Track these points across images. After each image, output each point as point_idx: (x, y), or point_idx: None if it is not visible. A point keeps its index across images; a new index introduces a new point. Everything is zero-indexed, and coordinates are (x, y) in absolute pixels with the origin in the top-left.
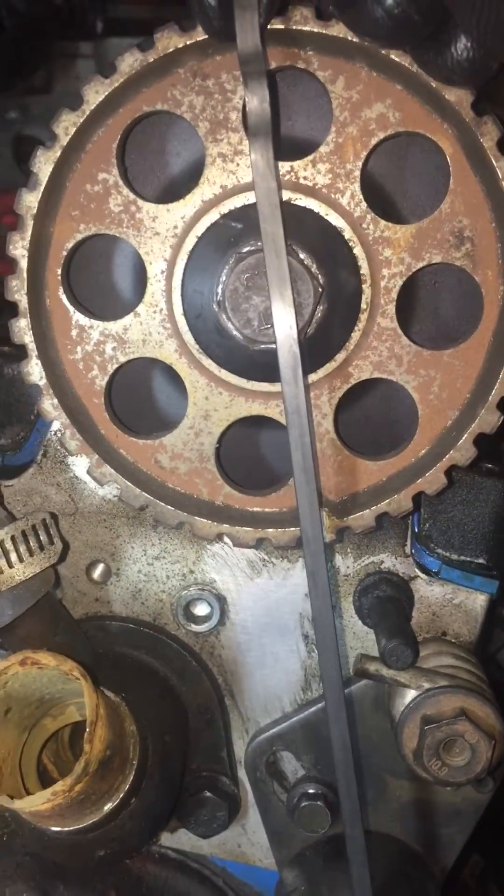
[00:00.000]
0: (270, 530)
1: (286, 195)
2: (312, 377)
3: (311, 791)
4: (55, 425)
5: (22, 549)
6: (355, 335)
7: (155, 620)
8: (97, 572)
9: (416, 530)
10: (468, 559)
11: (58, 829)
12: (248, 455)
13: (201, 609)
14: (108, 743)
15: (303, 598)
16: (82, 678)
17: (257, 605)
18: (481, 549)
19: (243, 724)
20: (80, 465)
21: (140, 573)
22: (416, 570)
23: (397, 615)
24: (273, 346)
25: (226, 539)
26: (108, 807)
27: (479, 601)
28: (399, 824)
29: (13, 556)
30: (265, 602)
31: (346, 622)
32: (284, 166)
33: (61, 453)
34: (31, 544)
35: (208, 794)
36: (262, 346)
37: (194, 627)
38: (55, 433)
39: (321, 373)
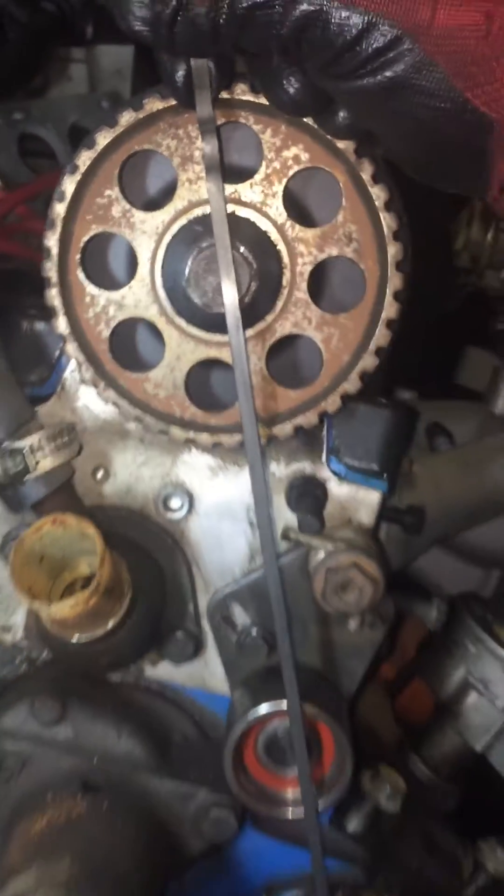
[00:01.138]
0: (223, 436)
1: (231, 208)
2: (250, 332)
3: (253, 632)
4: (71, 365)
5: (51, 446)
6: (279, 304)
7: (142, 510)
8: (99, 475)
9: (329, 445)
10: (365, 466)
11: (75, 638)
12: (207, 387)
13: (175, 503)
14: (111, 576)
15: (248, 493)
16: (94, 529)
17: (216, 500)
18: (374, 459)
19: (205, 587)
20: (85, 396)
21: (130, 475)
22: (329, 474)
23: (313, 502)
24: (222, 310)
25: (193, 442)
26: (111, 623)
27: (374, 496)
28: (317, 657)
29: (46, 450)
30: (221, 497)
31: (279, 511)
32: (230, 188)
33: (74, 387)
34: (58, 442)
35: (180, 633)
36: (215, 310)
37: (170, 516)
38: (71, 372)
39: (256, 329)
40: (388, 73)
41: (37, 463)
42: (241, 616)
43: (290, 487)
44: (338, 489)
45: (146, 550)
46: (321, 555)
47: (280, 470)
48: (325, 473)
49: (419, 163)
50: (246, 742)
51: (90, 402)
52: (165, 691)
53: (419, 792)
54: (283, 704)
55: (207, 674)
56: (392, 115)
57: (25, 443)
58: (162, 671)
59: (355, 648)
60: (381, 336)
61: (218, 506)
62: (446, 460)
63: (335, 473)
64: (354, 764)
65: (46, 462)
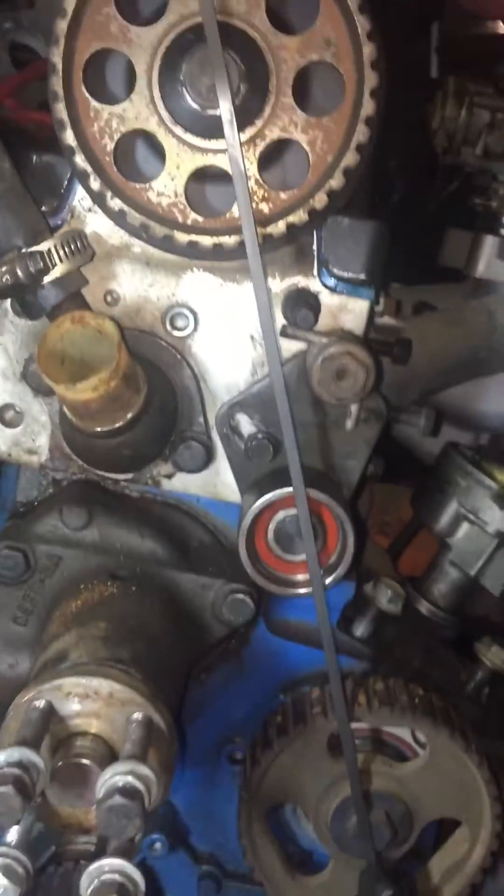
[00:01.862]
0: (223, 238)
1: (220, 17)
2: (242, 136)
3: (259, 435)
4: (79, 194)
5: (66, 251)
6: (267, 109)
7: (151, 330)
8: (109, 299)
9: (320, 258)
10: (353, 276)
11: (95, 429)
12: (204, 198)
13: (181, 322)
14: (129, 364)
15: (248, 309)
16: (110, 321)
17: (218, 317)
18: (361, 269)
19: (213, 401)
20: (93, 222)
21: (139, 297)
22: (321, 286)
23: (306, 306)
24: (217, 111)
25: (195, 246)
26: (129, 415)
27: (362, 304)
28: (318, 459)
29: (62, 254)
30: (223, 314)
31: (277, 323)
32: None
33: (83, 214)
34: (72, 247)
35: (192, 443)
36: (210, 112)
37: (177, 334)
38: (79, 200)
39: (247, 134)
40: None
41: (54, 266)
42: (246, 424)
43: (286, 300)
44: (329, 300)
45: (156, 366)
46: (316, 349)
47: (276, 285)
48: (317, 286)
49: None
50: (257, 530)
51: (98, 227)
52: (182, 504)
53: (422, 624)
54: (290, 491)
55: (219, 482)
56: None
57: (43, 247)
58: (178, 483)
59: (353, 447)
60: (361, 133)
61: (220, 322)
62: (432, 320)
63: (325, 286)
64: (356, 546)
65: (63, 265)
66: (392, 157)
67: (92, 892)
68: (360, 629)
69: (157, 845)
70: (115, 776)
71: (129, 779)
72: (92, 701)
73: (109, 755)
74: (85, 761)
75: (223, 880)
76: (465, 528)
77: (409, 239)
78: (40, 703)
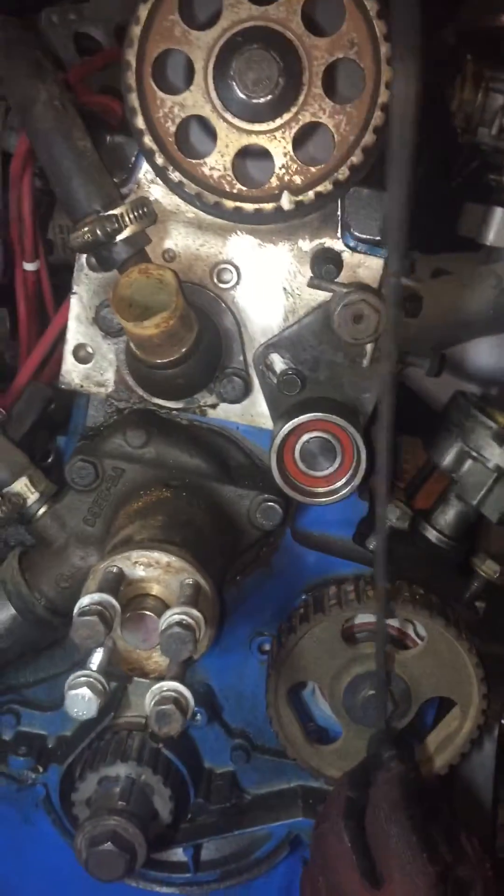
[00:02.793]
0: (263, 204)
1: (262, 23)
2: (279, 121)
3: (289, 371)
4: (144, 167)
5: (134, 214)
6: (300, 98)
7: (201, 282)
8: (168, 255)
9: (343, 222)
10: (370, 237)
11: (156, 361)
12: (247, 170)
13: (226, 276)
14: (184, 307)
15: (283, 265)
16: (170, 271)
17: (257, 272)
18: (378, 232)
19: (251, 343)
20: (155, 191)
21: (192, 255)
22: (343, 246)
23: (331, 262)
24: (260, 100)
25: (239, 211)
26: (183, 350)
27: (377, 261)
28: (338, 393)
29: (131, 216)
30: (262, 269)
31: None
32: (261, 9)
33: (146, 185)
34: (138, 212)
35: (234, 377)
36: (253, 101)
37: (222, 286)
38: (144, 173)
39: (284, 119)
40: None
41: (125, 227)
42: (279, 362)
43: (314, 257)
44: (350, 258)
45: (205, 312)
46: (338, 296)
47: (306, 245)
48: (340, 246)
49: None
50: (286, 449)
51: (160, 196)
52: (224, 430)
53: (430, 550)
54: (314, 416)
55: (255, 412)
56: None
57: (117, 211)
58: (220, 412)
59: (368, 382)
60: (378, 118)
61: (259, 277)
62: (446, 282)
63: (347, 246)
64: (368, 464)
65: (131, 227)
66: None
67: (155, 703)
68: (373, 544)
69: (198, 717)
70: (174, 615)
71: (184, 616)
72: (153, 569)
73: (166, 610)
74: (148, 612)
75: (252, 752)
76: (468, 464)
77: (431, 211)
78: (114, 569)
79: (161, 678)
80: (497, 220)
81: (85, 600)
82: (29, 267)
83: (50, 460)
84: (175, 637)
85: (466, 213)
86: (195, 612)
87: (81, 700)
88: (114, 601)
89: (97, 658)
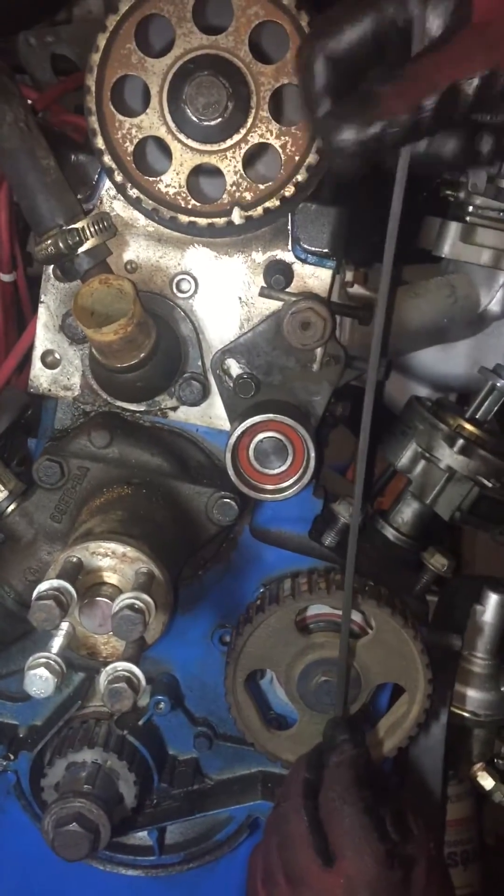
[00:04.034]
0: (215, 219)
1: (210, 51)
2: (229, 141)
3: (244, 376)
4: (106, 184)
5: (94, 229)
6: (249, 120)
7: (161, 292)
8: (129, 266)
9: (293, 235)
10: (319, 250)
11: (116, 365)
12: (200, 188)
13: (185, 286)
14: (142, 314)
15: (237, 275)
16: (128, 282)
17: (214, 282)
18: (326, 245)
19: (209, 349)
20: (117, 207)
21: (152, 266)
22: (294, 258)
23: (281, 272)
24: (211, 122)
25: (194, 225)
26: (142, 355)
27: (326, 272)
28: (290, 396)
29: (92, 230)
30: (218, 280)
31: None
32: (211, 38)
33: (108, 201)
34: (99, 226)
35: (193, 381)
36: (205, 123)
37: (181, 296)
38: (106, 190)
39: (234, 139)
40: None
41: (86, 240)
42: (235, 367)
43: (266, 268)
44: (300, 269)
45: (165, 321)
46: (287, 307)
47: (259, 257)
48: (290, 258)
49: None
50: (240, 448)
51: (121, 211)
52: (183, 432)
53: (386, 547)
54: (266, 417)
55: (213, 414)
56: None
57: (78, 225)
58: (181, 414)
59: (318, 386)
60: (320, 139)
61: (216, 287)
62: (401, 291)
63: (298, 257)
64: (317, 463)
65: (93, 240)
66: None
67: (108, 682)
68: (329, 539)
69: (162, 705)
70: (125, 599)
71: (135, 601)
72: (110, 559)
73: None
74: (104, 599)
75: (214, 740)
76: (422, 464)
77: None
78: (73, 559)
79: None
80: (451, 233)
81: (43, 586)
82: (6, 278)
83: (25, 467)
84: (125, 619)
85: (425, 226)
86: (145, 597)
87: (39, 679)
88: (70, 588)
89: (57, 642)
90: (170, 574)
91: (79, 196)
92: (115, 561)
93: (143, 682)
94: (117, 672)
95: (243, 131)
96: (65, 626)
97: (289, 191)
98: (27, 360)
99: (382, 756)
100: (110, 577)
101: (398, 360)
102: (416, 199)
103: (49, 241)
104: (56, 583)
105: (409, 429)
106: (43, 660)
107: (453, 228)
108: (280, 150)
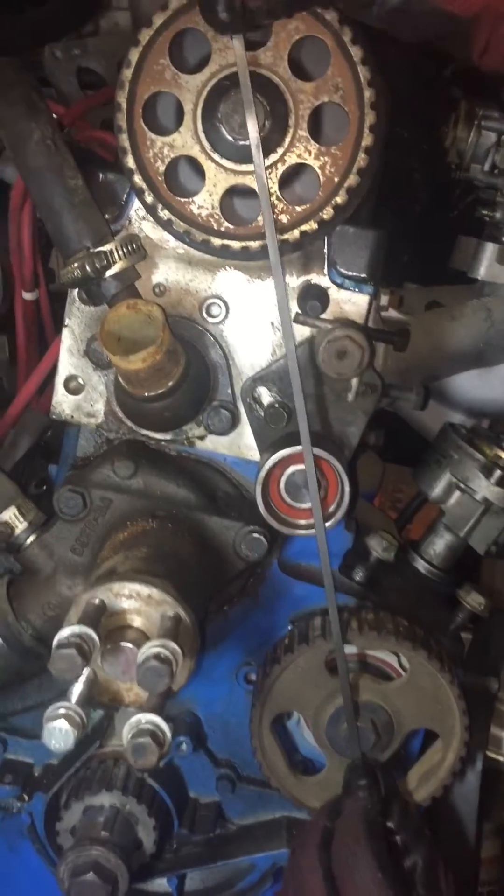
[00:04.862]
0: (250, 242)
1: (250, 67)
2: (266, 161)
3: (276, 405)
4: (135, 204)
5: (123, 251)
6: (286, 140)
7: (190, 317)
8: (158, 290)
9: (329, 259)
10: (356, 274)
11: (143, 394)
12: (234, 210)
13: (215, 310)
14: (171, 341)
15: (270, 301)
16: (157, 308)
17: (246, 307)
18: (363, 269)
19: (239, 376)
20: (146, 228)
21: (181, 290)
22: (329, 283)
23: (316, 298)
24: (247, 142)
25: (227, 248)
26: (170, 383)
27: (363, 298)
28: (324, 426)
29: (121, 253)
30: (251, 305)
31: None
32: (250, 54)
33: (137, 222)
34: (128, 248)
35: (222, 410)
36: (241, 143)
37: (211, 321)
38: (135, 210)
39: (270, 160)
40: None
41: (114, 263)
42: (266, 395)
43: (301, 293)
44: (336, 294)
45: (193, 345)
46: (323, 335)
47: (293, 281)
48: (326, 283)
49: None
50: (271, 481)
51: (150, 232)
52: (211, 462)
53: (418, 580)
54: (299, 449)
55: (242, 443)
56: None
57: (106, 247)
58: (208, 443)
59: (353, 416)
60: (361, 160)
61: (247, 312)
62: (437, 315)
63: (333, 282)
64: (351, 497)
65: (121, 263)
66: (414, 172)
67: (132, 736)
68: (359, 574)
69: (184, 746)
70: (151, 648)
71: (161, 650)
72: (134, 601)
73: (146, 642)
74: (128, 645)
75: (237, 782)
76: (456, 495)
77: (428, 245)
78: (96, 601)
79: (140, 709)
80: (488, 255)
81: (64, 632)
82: (28, 297)
83: (45, 488)
84: (152, 670)
85: (459, 246)
86: (173, 645)
87: (59, 732)
88: (93, 633)
89: (77, 690)
90: (196, 616)
91: (106, 216)
92: (139, 603)
93: (169, 735)
94: (141, 726)
95: (280, 151)
96: (86, 671)
97: (327, 213)
98: (48, 382)
99: (416, 806)
100: (135, 621)
101: (434, 386)
102: (446, 218)
103: (76, 265)
104: (78, 629)
105: (444, 458)
106: (62, 710)
107: (490, 250)
108: (319, 171)
